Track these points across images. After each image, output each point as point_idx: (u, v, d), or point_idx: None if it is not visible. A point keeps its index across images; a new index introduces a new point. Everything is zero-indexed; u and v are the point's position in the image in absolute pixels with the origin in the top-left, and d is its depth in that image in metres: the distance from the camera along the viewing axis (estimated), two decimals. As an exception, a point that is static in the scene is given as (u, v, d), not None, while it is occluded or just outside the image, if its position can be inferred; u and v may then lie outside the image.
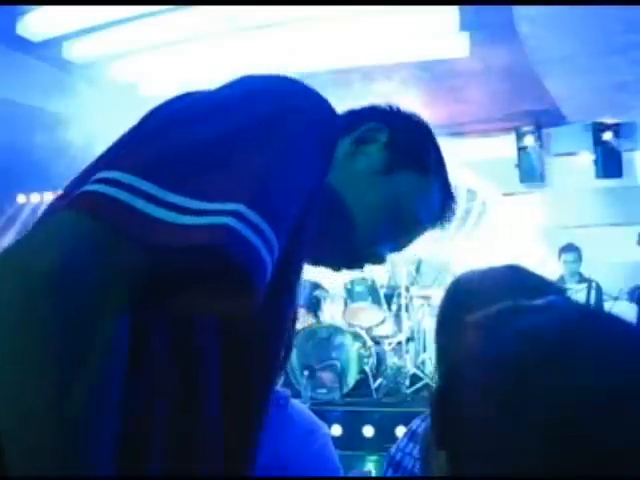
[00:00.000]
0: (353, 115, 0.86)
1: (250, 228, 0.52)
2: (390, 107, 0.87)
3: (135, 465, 0.57)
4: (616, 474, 0.40)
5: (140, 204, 0.50)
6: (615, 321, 0.49)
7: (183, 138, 0.57)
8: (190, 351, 0.64)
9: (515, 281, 0.91)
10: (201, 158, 0.55)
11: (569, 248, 5.28)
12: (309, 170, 0.63)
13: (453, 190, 0.90)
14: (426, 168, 0.84)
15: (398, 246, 0.87)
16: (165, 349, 0.61)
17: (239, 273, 0.51)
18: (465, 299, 0.90)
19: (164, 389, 0.61)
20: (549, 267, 4.79)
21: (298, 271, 0.72)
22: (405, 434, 1.21)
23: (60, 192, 0.67)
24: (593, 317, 0.49)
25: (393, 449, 1.20)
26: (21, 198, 6.36)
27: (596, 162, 6.26)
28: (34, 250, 0.48)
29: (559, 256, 5.29)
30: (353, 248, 0.81)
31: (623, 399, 0.41)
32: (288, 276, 0.67)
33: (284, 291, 0.68)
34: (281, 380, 1.33)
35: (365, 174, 0.81)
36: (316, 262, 0.85)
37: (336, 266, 0.87)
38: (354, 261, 0.85)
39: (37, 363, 0.45)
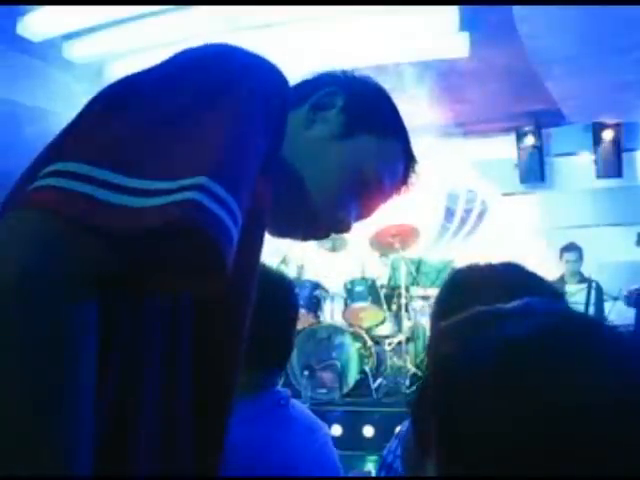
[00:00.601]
0: (307, 83, 0.86)
1: (215, 201, 0.51)
2: (344, 72, 0.87)
3: (110, 451, 0.56)
4: (596, 474, 0.40)
5: (101, 194, 0.49)
6: (590, 323, 0.49)
7: (132, 120, 0.55)
8: (161, 330, 0.63)
9: (513, 279, 0.91)
10: (153, 137, 0.54)
11: (571, 247, 5.28)
12: (262, 135, 0.62)
13: (414, 152, 0.89)
14: (385, 130, 0.84)
15: (363, 212, 0.87)
16: (137, 331, 0.61)
17: (209, 247, 0.51)
18: (462, 295, 0.90)
19: (138, 371, 0.61)
20: (549, 267, 4.79)
21: (259, 243, 0.72)
22: (396, 436, 1.21)
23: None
24: (568, 319, 0.49)
25: (385, 451, 1.20)
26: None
27: (596, 162, 6.26)
28: None
29: (560, 255, 5.30)
30: (313, 217, 0.80)
31: (599, 400, 0.42)
32: (249, 249, 0.67)
33: (247, 264, 0.67)
34: (281, 380, 1.33)
35: (324, 140, 0.81)
36: (281, 234, 0.85)
37: (301, 236, 0.86)
38: (318, 230, 0.84)
39: (13, 366, 0.45)
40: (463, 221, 6.41)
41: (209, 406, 0.70)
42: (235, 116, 0.58)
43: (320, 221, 0.82)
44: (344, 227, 0.84)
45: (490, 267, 0.96)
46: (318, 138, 0.81)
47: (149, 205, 0.49)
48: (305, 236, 0.86)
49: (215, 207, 0.51)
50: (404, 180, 0.88)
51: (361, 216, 0.87)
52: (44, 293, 0.46)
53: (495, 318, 0.49)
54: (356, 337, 4.54)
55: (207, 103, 0.58)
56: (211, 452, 0.72)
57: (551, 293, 0.94)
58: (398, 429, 1.24)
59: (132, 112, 0.56)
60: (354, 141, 0.81)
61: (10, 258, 0.46)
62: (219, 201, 0.52)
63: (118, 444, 0.58)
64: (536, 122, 6.20)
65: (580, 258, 5.25)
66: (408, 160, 0.88)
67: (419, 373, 4.51)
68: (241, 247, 0.56)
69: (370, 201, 0.86)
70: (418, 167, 0.89)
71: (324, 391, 4.27)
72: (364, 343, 4.59)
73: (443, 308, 0.95)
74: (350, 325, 4.76)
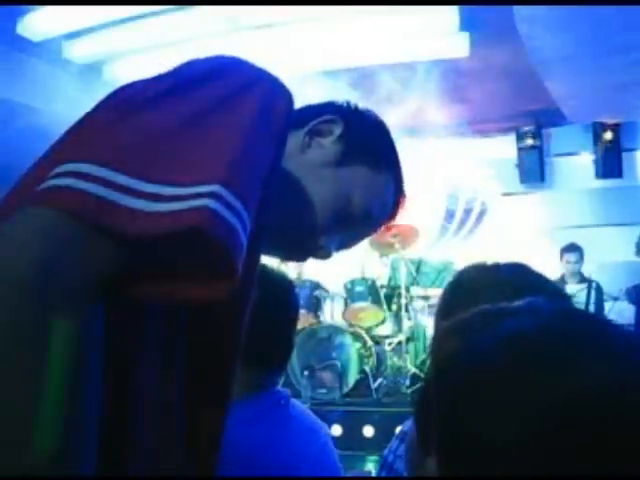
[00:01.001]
0: (309, 109, 0.87)
1: (228, 208, 0.52)
2: (347, 103, 0.88)
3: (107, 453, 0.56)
4: (600, 473, 0.40)
5: (117, 197, 0.50)
6: (596, 321, 0.49)
7: (146, 126, 0.56)
8: (159, 330, 0.64)
9: (518, 280, 0.91)
10: (168, 144, 0.55)
11: (572, 248, 5.27)
12: (268, 146, 0.63)
13: (404, 188, 0.90)
14: (379, 164, 0.85)
15: (345, 242, 0.87)
16: (135, 331, 0.61)
17: (222, 253, 0.52)
18: (467, 295, 0.90)
19: (134, 370, 0.61)
20: (549, 267, 4.78)
21: (260, 247, 0.73)
22: (397, 436, 1.21)
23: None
24: (573, 318, 0.49)
25: (386, 451, 1.20)
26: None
27: (596, 162, 6.26)
28: (13, 251, 0.46)
29: (561, 256, 5.29)
30: (307, 234, 0.81)
31: (604, 399, 0.42)
32: (252, 253, 0.67)
33: (249, 267, 0.67)
34: (281, 380, 1.33)
35: (317, 165, 0.81)
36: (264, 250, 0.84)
37: (280, 254, 0.87)
38: (300, 251, 0.85)
39: (26, 366, 0.45)
40: (463, 221, 6.41)
41: (206, 406, 0.71)
42: (245, 126, 0.59)
43: (305, 243, 0.82)
44: (324, 254, 0.85)
45: (495, 267, 0.96)
46: (311, 162, 0.81)
47: (165, 210, 0.50)
48: (285, 254, 0.87)
49: (228, 215, 0.52)
50: (391, 215, 0.90)
51: (343, 246, 0.88)
52: (61, 293, 0.46)
53: (499, 316, 0.49)
54: (356, 337, 4.54)
55: (218, 113, 0.59)
56: (208, 452, 0.72)
57: (556, 294, 0.94)
58: (398, 429, 1.24)
59: (146, 118, 0.57)
60: (346, 170, 0.82)
61: (28, 257, 0.46)
62: (231, 208, 0.53)
63: (113, 443, 0.58)
64: (536, 122, 6.21)
65: (581, 259, 5.25)
66: (397, 196, 0.89)
67: (419, 373, 4.51)
68: (246, 251, 0.56)
69: (354, 232, 0.87)
70: (405, 201, 0.91)
71: (324, 391, 4.27)
72: (364, 343, 4.59)
73: (447, 308, 0.94)
74: (350, 325, 4.76)
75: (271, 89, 0.66)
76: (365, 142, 0.85)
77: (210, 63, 0.67)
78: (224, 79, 0.63)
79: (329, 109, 0.86)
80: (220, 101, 0.60)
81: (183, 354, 0.67)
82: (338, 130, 0.84)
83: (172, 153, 0.54)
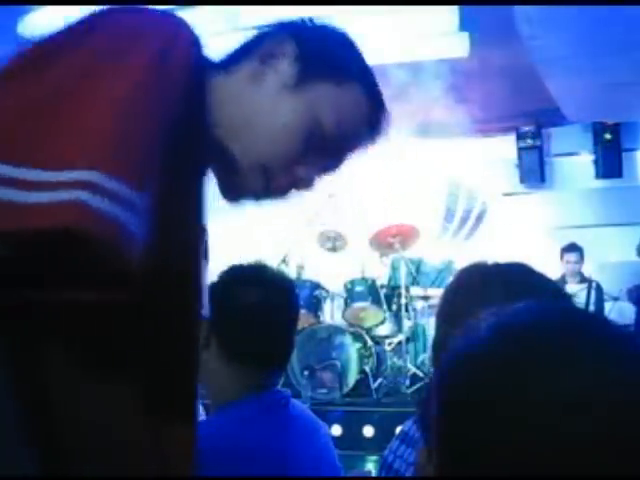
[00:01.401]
0: (255, 36, 0.80)
1: (108, 198, 0.47)
2: (299, 19, 0.82)
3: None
4: (597, 471, 0.40)
5: None
6: (591, 320, 0.49)
7: (14, 101, 0.51)
8: (105, 333, 0.59)
9: (519, 279, 0.91)
10: (39, 118, 0.49)
11: (572, 248, 5.27)
12: (164, 102, 0.57)
13: (382, 98, 0.81)
14: (342, 75, 0.77)
15: (329, 165, 0.80)
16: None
17: (104, 253, 0.47)
18: (468, 295, 0.89)
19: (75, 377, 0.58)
20: (549, 267, 4.78)
21: (194, 208, 0.68)
22: (397, 436, 1.20)
23: None
24: (566, 316, 0.49)
25: (386, 451, 1.20)
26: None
27: (596, 162, 6.26)
28: None
29: (561, 256, 5.29)
30: (281, 167, 0.74)
31: (593, 395, 0.42)
32: (181, 219, 0.62)
33: (181, 234, 0.63)
34: (281, 380, 1.33)
35: (275, 92, 0.74)
36: (234, 198, 0.78)
37: (261, 196, 0.78)
38: (276, 189, 0.77)
39: None
40: (463, 221, 6.41)
41: (171, 406, 0.67)
42: (128, 89, 0.53)
43: (276, 179, 0.75)
44: (305, 184, 0.78)
45: (496, 267, 0.96)
46: (269, 92, 0.74)
47: (29, 202, 0.46)
48: (258, 197, 0.79)
49: (106, 206, 0.47)
50: (373, 127, 0.80)
51: (328, 169, 0.80)
52: None
53: (500, 317, 0.49)
54: (356, 337, 4.54)
55: (97, 77, 0.53)
56: (181, 454, 0.69)
57: (557, 293, 0.94)
58: (398, 429, 1.24)
59: (14, 93, 0.51)
60: (309, 91, 0.74)
61: None
62: (114, 197, 0.48)
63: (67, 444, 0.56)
64: (536, 122, 6.20)
65: (581, 259, 5.25)
66: (373, 104, 0.80)
67: (419, 373, 4.51)
68: (168, 221, 0.52)
69: (334, 153, 0.79)
70: (388, 113, 0.82)
71: (324, 391, 4.27)
72: (364, 343, 4.59)
73: (449, 308, 0.94)
74: (350, 325, 4.76)
75: (166, 36, 0.60)
76: (324, 56, 0.77)
77: (92, 17, 0.59)
78: (106, 34, 0.57)
79: (277, 29, 0.79)
80: (101, 59, 0.54)
81: (137, 354, 0.63)
82: (291, 49, 0.76)
83: (46, 129, 0.48)
